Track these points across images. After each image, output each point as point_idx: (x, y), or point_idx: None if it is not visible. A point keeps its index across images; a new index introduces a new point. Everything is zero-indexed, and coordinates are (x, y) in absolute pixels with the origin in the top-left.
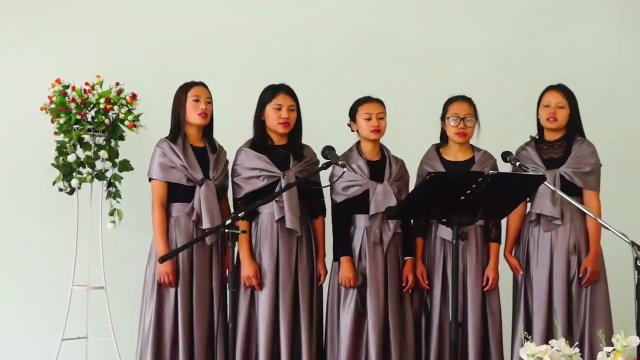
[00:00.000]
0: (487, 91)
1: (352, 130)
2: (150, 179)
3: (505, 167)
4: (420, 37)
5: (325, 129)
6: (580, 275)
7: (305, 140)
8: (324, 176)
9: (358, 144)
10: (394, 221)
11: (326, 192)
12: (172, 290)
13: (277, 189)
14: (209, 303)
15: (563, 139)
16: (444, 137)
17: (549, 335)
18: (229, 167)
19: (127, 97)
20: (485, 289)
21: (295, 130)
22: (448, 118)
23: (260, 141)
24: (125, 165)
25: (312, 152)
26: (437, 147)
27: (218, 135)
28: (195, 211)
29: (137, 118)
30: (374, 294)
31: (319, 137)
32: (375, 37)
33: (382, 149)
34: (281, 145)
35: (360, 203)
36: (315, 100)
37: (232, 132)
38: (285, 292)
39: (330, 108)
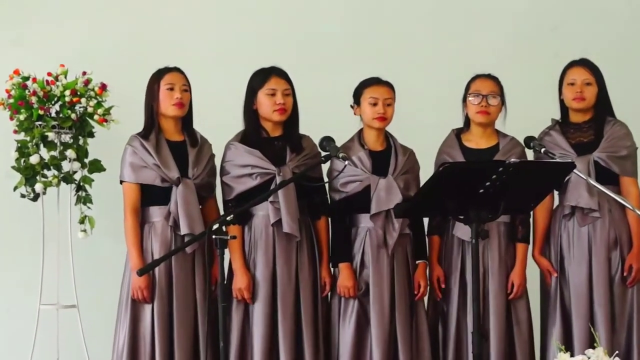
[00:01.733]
0: (508, 66)
1: (355, 114)
2: (121, 182)
3: (530, 155)
4: (433, 8)
5: (323, 117)
6: (625, 274)
7: (301, 130)
8: (326, 170)
9: (360, 132)
10: (400, 220)
11: None
12: (147, 307)
13: (272, 188)
14: (192, 320)
15: (592, 120)
16: (467, 122)
17: (592, 344)
18: (217, 164)
19: (96, 88)
20: (510, 297)
21: (291, 119)
22: (469, 96)
23: (252, 133)
24: (96, 166)
25: (312, 143)
26: (457, 133)
27: (203, 131)
28: (172, 215)
29: (107, 111)
30: (378, 304)
31: (316, 126)
32: (380, 9)
33: (388, 138)
34: (276, 136)
35: (361, 201)
36: (312, 85)
37: (219, 125)
38: (285, 305)
39: (330, 94)
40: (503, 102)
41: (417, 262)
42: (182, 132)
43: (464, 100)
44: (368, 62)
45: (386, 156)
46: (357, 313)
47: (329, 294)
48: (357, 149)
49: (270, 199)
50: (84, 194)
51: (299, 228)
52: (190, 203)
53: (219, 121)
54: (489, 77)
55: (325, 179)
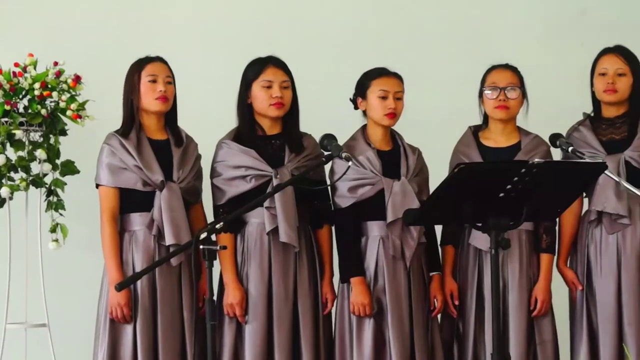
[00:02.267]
0: (531, 55)
1: (356, 108)
2: (97, 186)
3: (556, 154)
4: None
5: (324, 114)
6: None
7: (303, 129)
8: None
9: (364, 129)
10: (417, 228)
11: None
12: (128, 327)
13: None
14: (179, 340)
15: (626, 114)
16: (485, 119)
17: None
18: (203, 166)
19: (69, 81)
20: (533, 314)
21: (291, 114)
22: (485, 89)
23: (246, 131)
24: (69, 168)
25: (314, 143)
26: (474, 131)
27: (188, 129)
28: (156, 223)
29: (82, 106)
30: (397, 322)
31: (316, 124)
32: None
33: (394, 136)
34: (274, 134)
35: (372, 207)
36: (312, 79)
37: (206, 122)
38: (281, 324)
39: (331, 88)
40: (524, 95)
41: (431, 274)
42: (165, 129)
43: (480, 94)
44: (373, 52)
45: (394, 156)
46: (373, 332)
47: (333, 311)
48: (364, 148)
49: (266, 204)
50: (55, 199)
51: (297, 237)
52: (175, 209)
53: (207, 118)
54: (507, 67)
55: (328, 182)
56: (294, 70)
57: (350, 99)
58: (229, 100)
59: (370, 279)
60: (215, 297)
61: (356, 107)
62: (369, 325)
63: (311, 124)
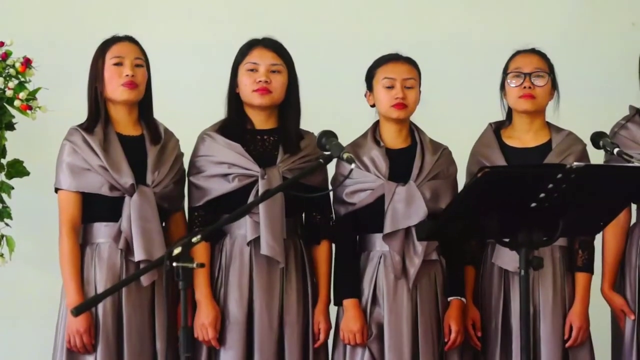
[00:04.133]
0: (571, 39)
1: (370, 104)
2: (56, 190)
3: (597, 156)
4: None
5: (334, 109)
6: None
7: (309, 127)
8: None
9: (376, 125)
10: (426, 242)
11: None
12: (89, 358)
13: (251, 195)
14: None
15: None
16: (509, 115)
17: None
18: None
19: (17, 64)
20: (567, 344)
21: (287, 106)
22: (508, 78)
23: (234, 123)
24: (17, 169)
25: (315, 142)
26: (496, 128)
27: (170, 122)
28: (124, 235)
29: (32, 95)
30: (395, 354)
31: (323, 121)
32: None
33: (413, 131)
34: (267, 130)
35: (373, 216)
36: (315, 68)
37: (192, 116)
38: (263, 356)
39: (338, 80)
40: (554, 84)
41: (449, 298)
42: (138, 123)
43: (503, 85)
44: (385, 42)
45: (409, 156)
46: None
47: (331, 341)
48: (370, 147)
49: None
50: (0, 206)
51: (283, 251)
52: (148, 219)
53: (191, 110)
54: (533, 51)
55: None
56: (295, 55)
57: (364, 94)
58: (219, 89)
59: (367, 301)
60: None
61: (370, 104)
62: (362, 356)
63: (317, 121)
